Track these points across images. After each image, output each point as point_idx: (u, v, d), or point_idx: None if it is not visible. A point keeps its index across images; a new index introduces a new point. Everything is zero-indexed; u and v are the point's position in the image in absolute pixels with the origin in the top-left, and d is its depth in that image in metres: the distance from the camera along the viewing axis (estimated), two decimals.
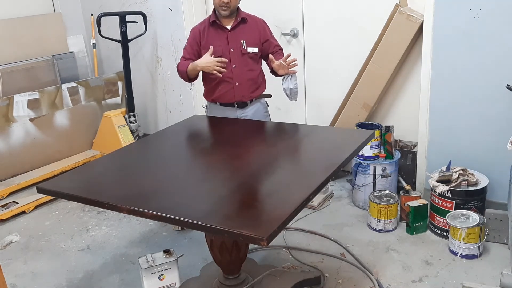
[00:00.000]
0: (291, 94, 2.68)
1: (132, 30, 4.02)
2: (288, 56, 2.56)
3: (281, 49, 2.83)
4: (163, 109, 4.48)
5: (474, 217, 2.60)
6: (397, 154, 3.17)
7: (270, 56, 2.62)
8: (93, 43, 4.58)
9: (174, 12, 3.99)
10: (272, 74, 2.78)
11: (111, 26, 4.05)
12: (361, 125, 3.16)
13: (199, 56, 2.70)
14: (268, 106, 2.93)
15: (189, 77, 2.70)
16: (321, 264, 2.60)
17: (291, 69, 2.60)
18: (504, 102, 2.68)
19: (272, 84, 2.95)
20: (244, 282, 2.16)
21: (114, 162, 2.21)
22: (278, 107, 3.68)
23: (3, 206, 3.50)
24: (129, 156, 2.30)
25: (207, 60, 2.56)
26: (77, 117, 4.23)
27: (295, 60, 2.57)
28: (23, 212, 3.48)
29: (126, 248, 2.94)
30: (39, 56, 4.29)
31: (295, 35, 3.60)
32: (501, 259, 2.52)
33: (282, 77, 2.67)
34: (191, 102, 4.16)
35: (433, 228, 2.83)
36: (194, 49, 2.71)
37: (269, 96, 2.92)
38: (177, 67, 2.75)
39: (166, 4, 4.02)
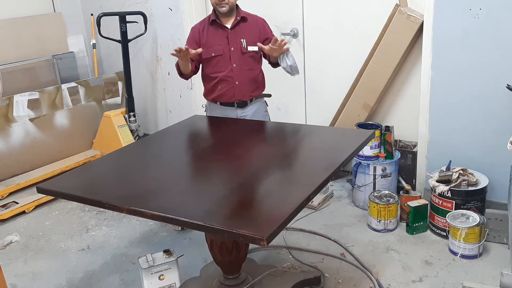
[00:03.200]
0: (292, 70, 2.62)
1: (132, 30, 4.02)
2: (275, 40, 2.50)
3: None
4: (163, 109, 4.48)
5: (474, 217, 2.60)
6: (397, 154, 3.17)
7: (259, 44, 2.59)
8: (93, 43, 4.58)
9: (174, 12, 3.99)
10: (272, 66, 2.75)
11: (111, 26, 4.05)
12: (361, 125, 3.16)
13: (199, 56, 2.70)
14: (267, 105, 2.94)
15: (181, 72, 2.71)
16: (321, 264, 2.60)
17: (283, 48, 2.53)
18: (504, 102, 2.68)
19: (272, 84, 2.95)
20: (244, 282, 2.16)
21: (114, 162, 2.21)
22: (278, 107, 3.68)
23: (3, 206, 3.50)
24: (129, 156, 2.30)
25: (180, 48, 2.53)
26: (77, 117, 4.23)
27: (283, 40, 2.49)
28: (23, 212, 3.48)
29: (126, 248, 2.94)
30: (39, 56, 4.29)
31: (295, 35, 3.60)
32: (501, 259, 2.52)
33: (279, 58, 2.61)
34: (191, 102, 4.16)
35: (433, 228, 2.83)
36: (193, 47, 2.71)
37: (269, 95, 2.92)
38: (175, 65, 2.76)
39: (166, 4, 4.02)
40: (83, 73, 4.69)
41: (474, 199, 2.70)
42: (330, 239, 2.84)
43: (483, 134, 2.81)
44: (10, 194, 3.67)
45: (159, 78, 4.37)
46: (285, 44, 2.51)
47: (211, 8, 2.73)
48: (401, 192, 2.95)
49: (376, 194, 2.96)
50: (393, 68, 3.11)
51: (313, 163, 2.02)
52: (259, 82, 2.80)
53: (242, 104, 2.78)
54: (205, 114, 2.95)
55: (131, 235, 3.09)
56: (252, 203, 1.70)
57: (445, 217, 2.68)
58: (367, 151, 3.07)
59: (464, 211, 2.66)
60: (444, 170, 2.82)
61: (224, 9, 2.61)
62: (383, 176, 3.08)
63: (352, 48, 3.36)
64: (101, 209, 3.20)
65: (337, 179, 3.64)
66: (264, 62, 2.83)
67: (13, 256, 2.93)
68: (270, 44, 2.53)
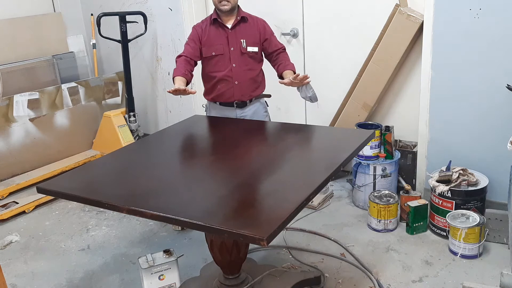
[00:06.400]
0: (312, 99, 2.63)
1: (132, 30, 4.02)
2: (297, 75, 2.50)
3: (284, 49, 2.80)
4: (163, 109, 4.48)
5: (474, 217, 2.60)
6: (397, 154, 3.17)
7: (280, 80, 2.60)
8: (93, 43, 4.58)
9: (174, 12, 4.00)
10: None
11: (111, 26, 4.05)
12: (361, 125, 3.16)
13: (200, 53, 2.70)
14: (267, 106, 2.94)
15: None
16: (321, 264, 2.60)
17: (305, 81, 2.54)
18: (504, 102, 2.68)
19: (272, 83, 2.95)
20: (244, 282, 2.16)
21: (114, 162, 2.21)
22: (278, 107, 3.68)
23: (3, 206, 3.50)
24: (129, 156, 2.30)
25: (177, 88, 2.43)
26: (77, 117, 4.23)
27: (305, 77, 2.50)
28: (23, 212, 3.48)
29: (126, 248, 2.94)
30: (39, 56, 4.29)
31: (295, 35, 3.60)
32: (501, 259, 2.52)
33: (298, 88, 2.61)
34: (191, 102, 4.16)
35: (433, 228, 2.83)
36: (196, 44, 2.70)
37: (269, 96, 2.92)
38: (176, 61, 2.70)
39: (166, 4, 4.02)
40: (83, 73, 4.69)
41: (474, 199, 2.70)
42: (330, 239, 2.84)
43: (483, 134, 2.81)
44: (10, 194, 3.67)
45: (159, 78, 4.38)
46: (306, 78, 2.51)
47: (211, 8, 2.74)
48: (401, 192, 2.95)
49: (376, 194, 2.96)
50: (393, 68, 3.11)
51: (313, 163, 2.02)
52: (259, 82, 2.80)
53: (242, 104, 2.78)
54: (205, 114, 2.95)
55: (131, 235, 3.09)
56: (252, 203, 1.70)
57: (445, 217, 2.68)
58: (367, 151, 3.07)
59: (464, 211, 2.66)
60: (444, 170, 2.82)
61: (226, 7, 2.61)
62: (383, 176, 3.08)
63: (352, 48, 3.36)
64: (101, 209, 3.20)
65: (337, 179, 3.64)
66: (265, 62, 2.83)
67: (13, 256, 2.93)
68: (290, 78, 2.52)
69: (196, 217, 1.56)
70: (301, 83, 2.54)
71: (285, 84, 2.59)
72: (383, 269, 2.53)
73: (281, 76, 2.70)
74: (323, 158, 2.04)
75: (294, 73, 2.64)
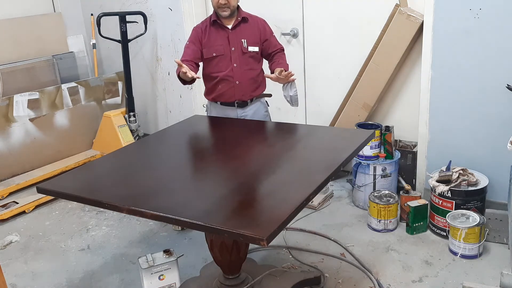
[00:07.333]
0: (292, 101, 2.67)
1: (132, 30, 4.02)
2: (281, 71, 2.54)
3: (282, 50, 2.82)
4: (163, 109, 4.48)
5: (474, 217, 2.60)
6: (397, 154, 3.17)
7: (266, 74, 2.64)
8: (93, 43, 4.58)
9: (174, 12, 4.00)
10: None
11: (111, 26, 4.05)
12: (361, 125, 3.16)
13: (201, 55, 2.70)
14: (268, 105, 2.94)
15: (183, 80, 2.64)
16: (321, 264, 2.60)
17: (290, 78, 2.57)
18: (504, 102, 2.68)
19: (273, 83, 2.95)
20: (244, 282, 2.16)
21: (114, 162, 2.21)
22: (278, 107, 3.68)
23: (3, 206, 3.50)
24: (129, 156, 2.30)
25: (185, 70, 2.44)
26: (77, 117, 4.23)
27: (290, 74, 2.54)
28: (23, 212, 3.48)
29: (126, 248, 2.94)
30: (39, 56, 4.29)
31: (295, 35, 3.60)
32: (501, 259, 2.52)
33: (282, 86, 2.66)
34: (191, 102, 4.16)
35: (433, 228, 2.83)
36: (197, 46, 2.69)
37: (269, 95, 2.92)
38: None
39: (166, 4, 4.02)
40: (83, 73, 4.69)
41: (474, 199, 2.70)
42: (330, 239, 2.84)
43: (483, 134, 2.81)
44: (10, 194, 3.67)
45: (159, 78, 4.38)
46: (291, 76, 2.54)
47: (210, 8, 2.74)
48: (401, 192, 2.95)
49: (376, 194, 2.96)
50: (393, 68, 3.11)
51: (313, 163, 2.02)
52: (259, 82, 2.80)
53: (242, 104, 2.78)
54: (206, 114, 2.95)
55: (131, 235, 3.09)
56: (252, 203, 1.71)
57: (445, 217, 2.68)
58: (367, 151, 3.07)
59: (464, 211, 2.66)
60: (444, 170, 2.82)
61: (226, 13, 2.61)
62: (383, 176, 3.08)
63: (352, 48, 3.36)
64: (101, 209, 3.20)
65: (337, 179, 3.64)
66: (265, 62, 2.84)
67: (13, 256, 2.93)
68: (277, 74, 2.56)
69: (196, 217, 1.56)
70: (286, 80, 2.56)
71: (270, 78, 2.62)
72: (383, 269, 2.53)
73: (272, 73, 2.71)
74: (323, 158, 2.04)
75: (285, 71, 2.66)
